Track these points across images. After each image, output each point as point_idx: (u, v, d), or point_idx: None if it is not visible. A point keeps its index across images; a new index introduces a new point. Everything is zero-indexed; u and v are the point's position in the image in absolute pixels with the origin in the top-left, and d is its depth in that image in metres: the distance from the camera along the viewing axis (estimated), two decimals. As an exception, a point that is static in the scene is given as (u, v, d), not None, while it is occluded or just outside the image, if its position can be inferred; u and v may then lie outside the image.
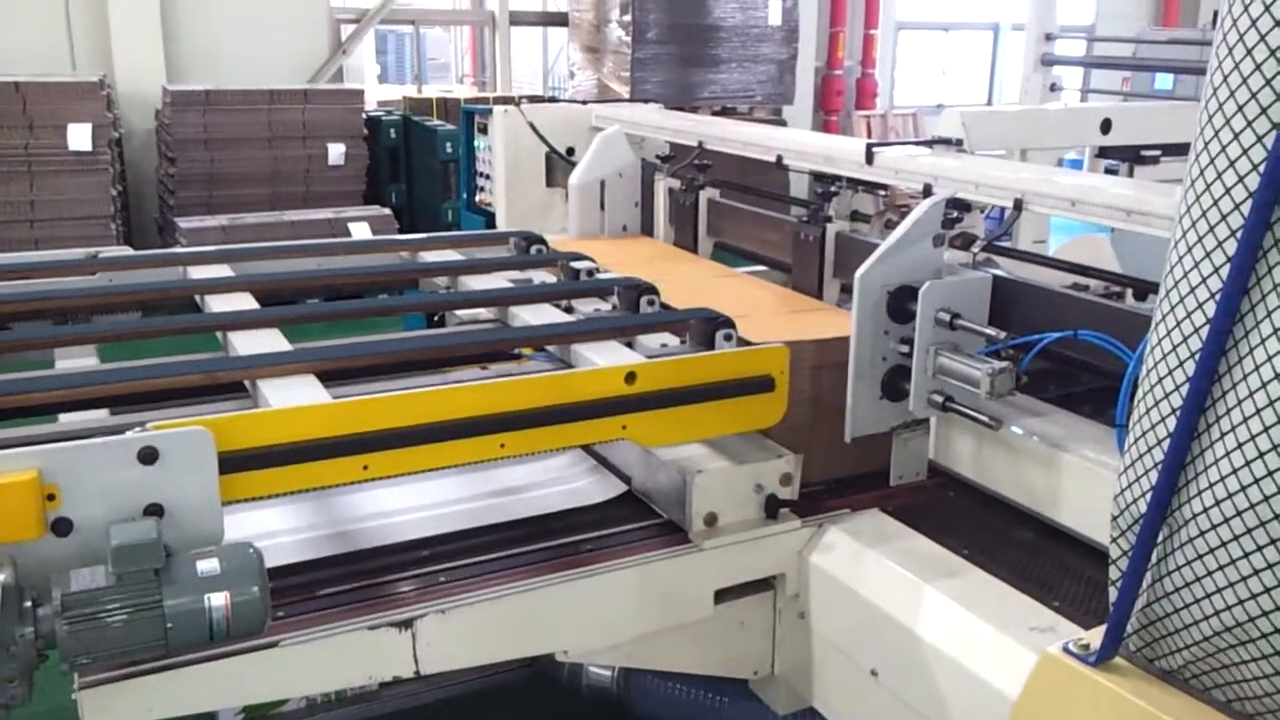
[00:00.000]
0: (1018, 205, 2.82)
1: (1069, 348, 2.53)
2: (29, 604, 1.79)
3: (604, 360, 2.54)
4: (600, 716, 3.00)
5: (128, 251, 3.47)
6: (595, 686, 2.91)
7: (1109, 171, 5.45)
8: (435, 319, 3.38)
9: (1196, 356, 1.34)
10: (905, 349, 2.69)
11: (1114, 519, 1.51)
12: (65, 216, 7.77)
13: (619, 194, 4.39)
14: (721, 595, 2.65)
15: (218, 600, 1.86)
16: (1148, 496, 1.42)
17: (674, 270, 3.70)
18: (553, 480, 2.94)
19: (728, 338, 2.66)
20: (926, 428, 2.87)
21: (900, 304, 2.68)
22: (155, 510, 1.95)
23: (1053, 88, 7.67)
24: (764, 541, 2.65)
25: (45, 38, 8.90)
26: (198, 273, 3.12)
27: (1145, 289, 2.95)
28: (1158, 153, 5.25)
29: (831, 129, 13.12)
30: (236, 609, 1.87)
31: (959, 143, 3.59)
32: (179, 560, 1.88)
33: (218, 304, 2.88)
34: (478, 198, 5.57)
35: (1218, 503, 1.31)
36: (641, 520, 2.71)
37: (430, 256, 3.40)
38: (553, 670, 2.88)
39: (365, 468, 2.21)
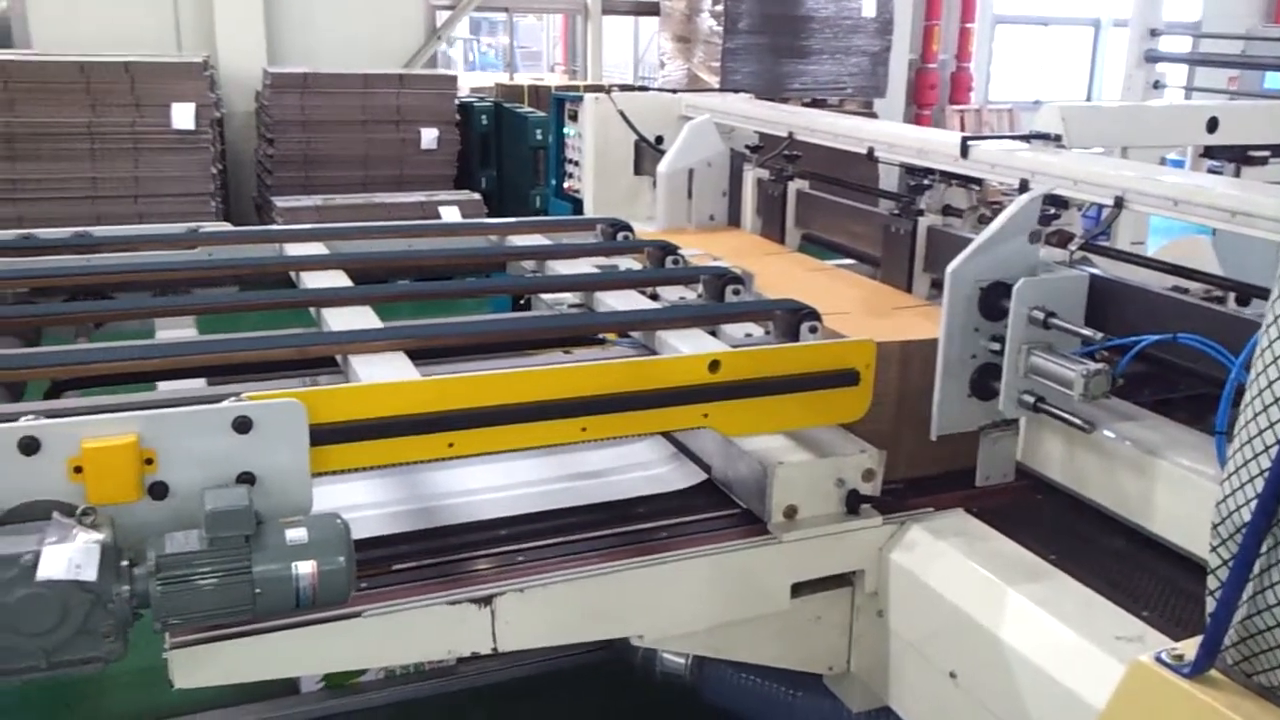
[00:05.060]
0: (1118, 203, 2.75)
1: (1167, 351, 2.45)
2: (126, 564, 1.85)
3: (688, 348, 2.54)
4: (672, 704, 3.00)
5: (227, 227, 3.57)
6: (669, 673, 2.91)
7: (1212, 172, 5.26)
8: (522, 302, 3.41)
9: (1310, 361, 1.29)
10: (996, 347, 2.64)
11: (1215, 527, 1.46)
12: (167, 193, 8.00)
13: (707, 183, 4.38)
14: (799, 589, 2.63)
15: (305, 569, 1.90)
16: (1251, 505, 1.37)
17: (763, 263, 3.67)
18: (632, 466, 2.95)
19: (813, 329, 2.63)
20: (1015, 428, 2.80)
21: (993, 301, 2.62)
22: (247, 478, 2.00)
23: (1156, 85, 7.40)
24: (844, 537, 2.62)
25: (152, 20, 9.19)
26: (294, 250, 3.19)
27: (1249, 293, 2.85)
28: (1266, 153, 5.04)
29: (924, 123, 12.90)
30: (323, 578, 1.91)
31: (1058, 138, 3.50)
32: (269, 528, 1.93)
33: (312, 280, 2.94)
34: (566, 184, 5.60)
35: (1327, 514, 1.26)
36: (720, 510, 2.70)
37: (518, 240, 3.43)
38: (627, 655, 2.89)
39: (450, 445, 2.24)
